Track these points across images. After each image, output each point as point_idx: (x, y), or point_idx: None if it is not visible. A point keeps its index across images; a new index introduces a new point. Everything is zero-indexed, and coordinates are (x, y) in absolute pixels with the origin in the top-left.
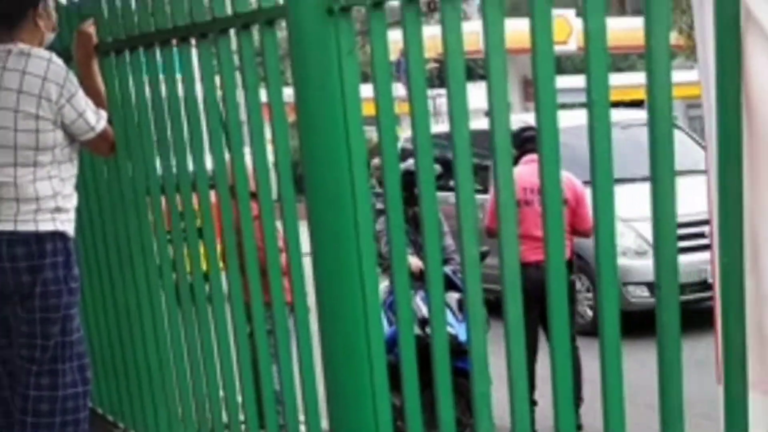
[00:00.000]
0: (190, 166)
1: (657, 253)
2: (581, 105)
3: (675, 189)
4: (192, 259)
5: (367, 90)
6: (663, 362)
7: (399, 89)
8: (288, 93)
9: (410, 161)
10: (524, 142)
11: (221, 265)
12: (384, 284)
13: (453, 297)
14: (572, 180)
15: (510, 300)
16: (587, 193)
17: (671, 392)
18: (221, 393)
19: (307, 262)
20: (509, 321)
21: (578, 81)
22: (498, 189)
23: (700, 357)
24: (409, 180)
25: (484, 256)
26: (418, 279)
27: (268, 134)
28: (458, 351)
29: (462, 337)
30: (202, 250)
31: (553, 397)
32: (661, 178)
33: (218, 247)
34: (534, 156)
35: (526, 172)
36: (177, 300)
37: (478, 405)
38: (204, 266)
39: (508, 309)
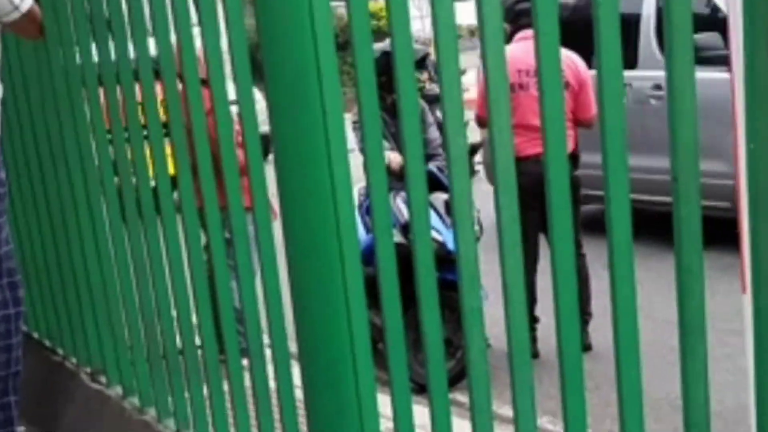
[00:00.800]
0: (131, 52)
1: (673, 138)
2: None
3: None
4: (137, 161)
5: None
6: (681, 268)
7: None
8: None
9: (387, 41)
10: (518, 16)
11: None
12: (359, 185)
13: (440, 198)
14: (574, 60)
15: (504, 200)
16: (591, 77)
17: (691, 303)
18: (173, 314)
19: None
20: (503, 224)
21: None
22: (487, 71)
23: (725, 263)
24: (385, 63)
25: (474, 149)
26: (400, 178)
27: (220, 12)
28: (447, 261)
29: (450, 245)
30: (148, 150)
31: (556, 312)
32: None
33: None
34: (529, 32)
35: (521, 50)
36: (121, 209)
37: (469, 322)
38: (150, 170)
39: (501, 210)
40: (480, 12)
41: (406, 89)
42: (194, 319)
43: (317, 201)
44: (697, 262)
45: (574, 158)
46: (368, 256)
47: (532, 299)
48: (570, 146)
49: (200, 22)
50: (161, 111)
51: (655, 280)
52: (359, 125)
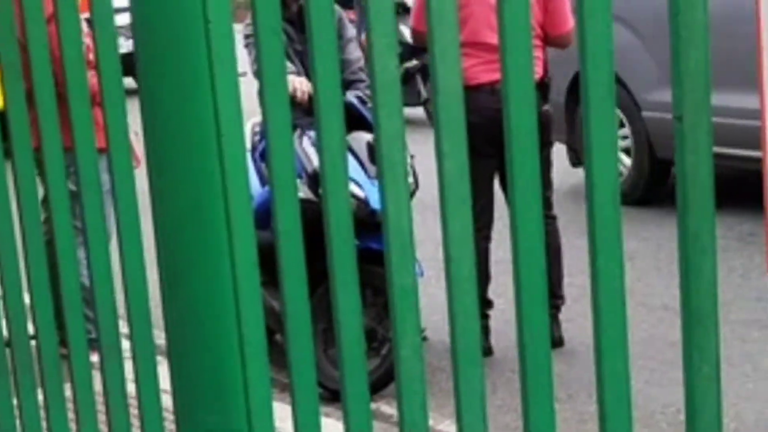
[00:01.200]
0: None
1: (676, 61)
2: None
3: None
4: None
5: None
6: (687, 236)
7: None
8: None
9: None
10: None
11: None
12: (252, 121)
13: (361, 139)
14: None
15: (448, 144)
16: None
17: (699, 285)
18: None
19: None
20: (446, 176)
21: None
22: None
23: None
24: None
25: (409, 75)
26: (307, 112)
27: None
28: (369, 224)
29: (375, 203)
30: None
31: (516, 295)
32: None
33: None
34: None
35: None
36: None
37: (399, 307)
38: None
39: (444, 158)
40: None
41: None
42: (26, 299)
43: (196, 142)
44: (708, 229)
45: (542, 87)
46: (263, 216)
47: (484, 277)
48: (538, 72)
49: None
50: None
51: (651, 254)
52: (253, 40)
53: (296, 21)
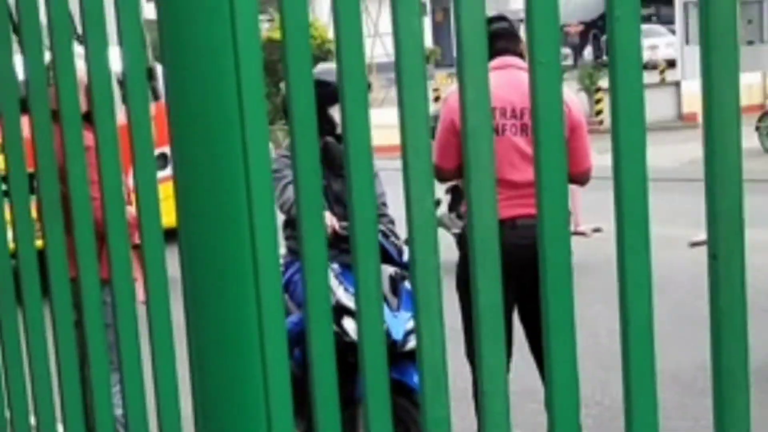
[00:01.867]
0: None
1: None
2: None
3: None
4: None
5: None
6: (720, 370)
7: None
8: None
9: (322, 66)
10: (493, 38)
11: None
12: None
13: (384, 272)
14: (566, 96)
15: (484, 282)
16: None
17: (732, 420)
18: (32, 422)
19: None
20: (479, 308)
21: None
22: (465, 107)
23: None
24: (322, 94)
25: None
26: (331, 244)
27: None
28: (391, 355)
29: (397, 334)
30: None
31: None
32: None
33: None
34: (508, 59)
35: (496, 83)
36: None
37: None
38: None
39: (477, 289)
40: (459, 30)
41: (356, 128)
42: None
43: (233, 272)
44: (740, 364)
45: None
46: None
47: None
48: None
49: (85, 36)
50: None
51: None
52: (282, 175)
53: (323, 156)
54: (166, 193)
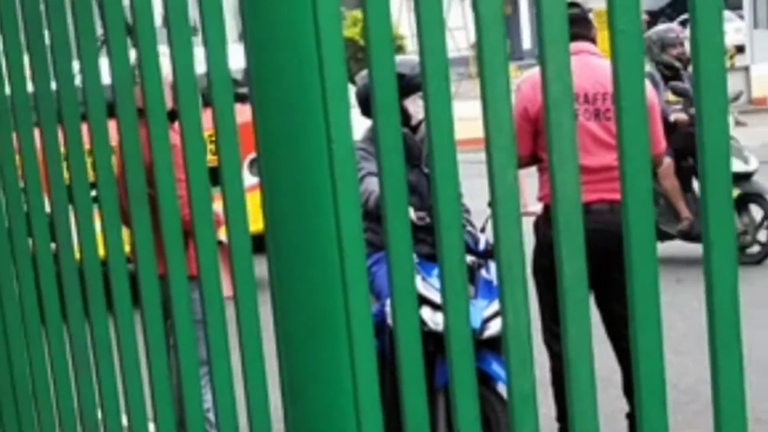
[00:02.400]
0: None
1: None
2: None
3: None
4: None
5: None
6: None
7: None
8: None
9: (399, 58)
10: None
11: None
12: None
13: None
14: None
15: (566, 245)
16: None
17: None
18: (124, 422)
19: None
20: (564, 276)
21: None
22: (546, 83)
23: None
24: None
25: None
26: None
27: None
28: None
29: (474, 322)
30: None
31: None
32: None
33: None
34: (580, 45)
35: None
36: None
37: (518, 411)
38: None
39: (562, 257)
40: (541, 16)
41: (440, 121)
42: (151, 428)
43: (320, 266)
44: None
45: None
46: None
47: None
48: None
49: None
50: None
51: None
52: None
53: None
54: (254, 201)
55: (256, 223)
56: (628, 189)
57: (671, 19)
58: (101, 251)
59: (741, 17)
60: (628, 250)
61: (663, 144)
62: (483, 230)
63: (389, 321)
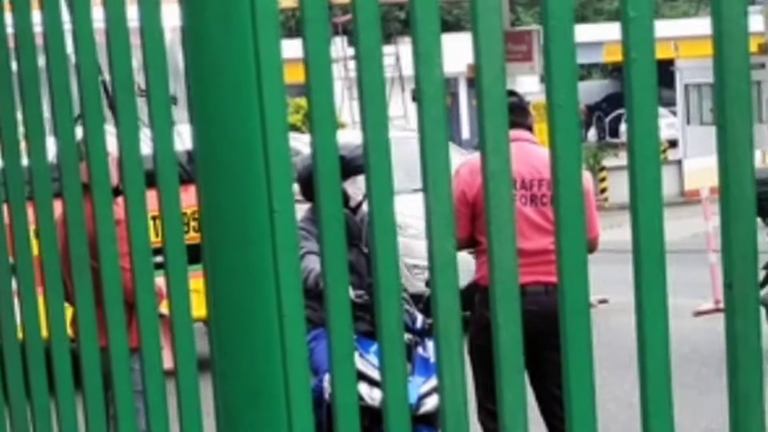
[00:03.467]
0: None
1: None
2: None
3: None
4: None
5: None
6: (738, 395)
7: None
8: None
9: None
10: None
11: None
12: None
13: None
14: None
15: (501, 312)
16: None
17: None
18: None
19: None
20: (500, 345)
21: None
22: (486, 174)
23: None
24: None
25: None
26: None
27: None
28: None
29: (411, 398)
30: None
31: None
32: None
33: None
34: (518, 133)
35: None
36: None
37: None
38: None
39: (498, 325)
40: (482, 104)
41: (381, 200)
42: None
43: (260, 339)
44: (756, 389)
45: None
46: None
47: None
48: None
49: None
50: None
51: None
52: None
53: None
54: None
55: (199, 309)
56: (564, 270)
57: (606, 113)
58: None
59: (674, 113)
60: (564, 329)
61: (598, 229)
62: (420, 310)
63: (326, 396)
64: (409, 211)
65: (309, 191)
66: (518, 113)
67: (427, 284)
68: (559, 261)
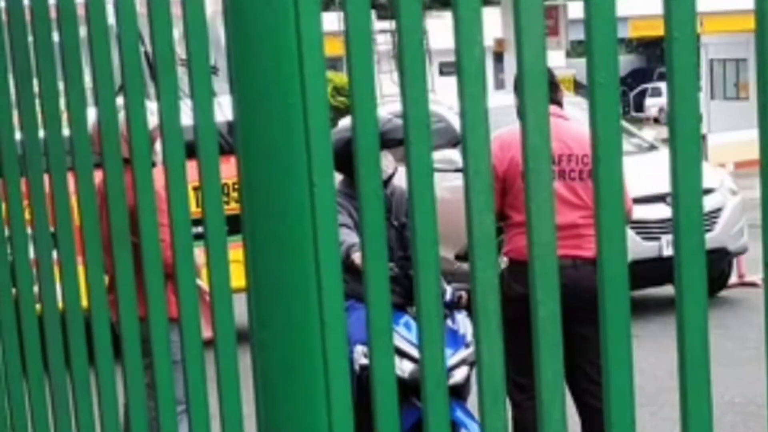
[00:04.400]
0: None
1: None
2: None
3: None
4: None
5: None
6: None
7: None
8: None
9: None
10: None
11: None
12: None
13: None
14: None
15: (541, 288)
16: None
17: None
18: None
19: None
20: (539, 320)
21: None
22: (527, 150)
23: None
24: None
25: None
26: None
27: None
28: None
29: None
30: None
31: None
32: None
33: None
34: (551, 108)
35: None
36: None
37: None
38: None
39: (537, 300)
40: (522, 74)
41: (420, 173)
42: None
43: (299, 308)
44: None
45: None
46: None
47: None
48: (592, 251)
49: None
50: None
51: None
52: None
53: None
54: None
55: (238, 280)
56: (604, 244)
57: (631, 88)
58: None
59: (699, 88)
60: (603, 303)
61: (630, 202)
62: (449, 282)
63: (356, 366)
64: None
65: (342, 164)
66: (550, 88)
67: (457, 257)
68: (599, 236)
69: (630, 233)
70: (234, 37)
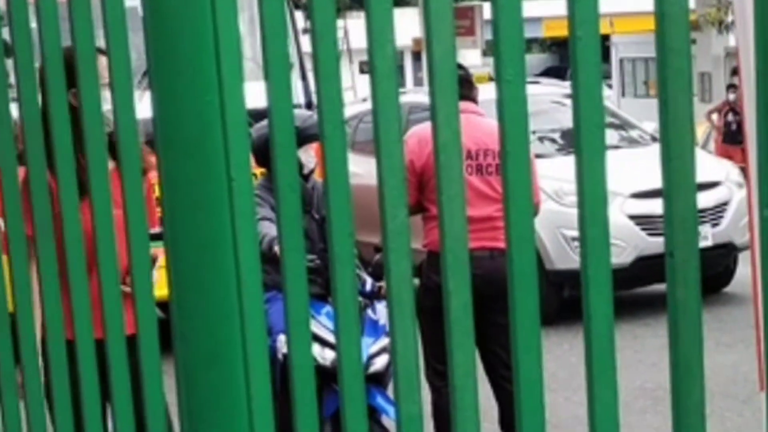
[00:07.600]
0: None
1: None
2: None
3: None
4: None
5: None
6: (678, 364)
7: None
8: None
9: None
10: None
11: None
12: None
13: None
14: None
15: (452, 279)
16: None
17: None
18: None
19: None
20: (451, 310)
21: None
22: (437, 145)
23: None
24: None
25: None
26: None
27: None
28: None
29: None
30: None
31: None
32: None
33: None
34: (464, 105)
35: None
36: None
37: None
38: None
39: (448, 291)
40: (433, 74)
41: (336, 167)
42: None
43: (218, 300)
44: (697, 357)
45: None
46: None
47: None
48: (502, 243)
49: None
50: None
51: None
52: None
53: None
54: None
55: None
56: (512, 236)
57: None
58: None
59: (609, 86)
60: (512, 292)
61: (540, 195)
62: (370, 273)
63: (279, 355)
64: (566, 174)
65: (263, 159)
66: (465, 86)
67: (376, 249)
68: (508, 228)
69: (635, 229)
70: (151, 34)
